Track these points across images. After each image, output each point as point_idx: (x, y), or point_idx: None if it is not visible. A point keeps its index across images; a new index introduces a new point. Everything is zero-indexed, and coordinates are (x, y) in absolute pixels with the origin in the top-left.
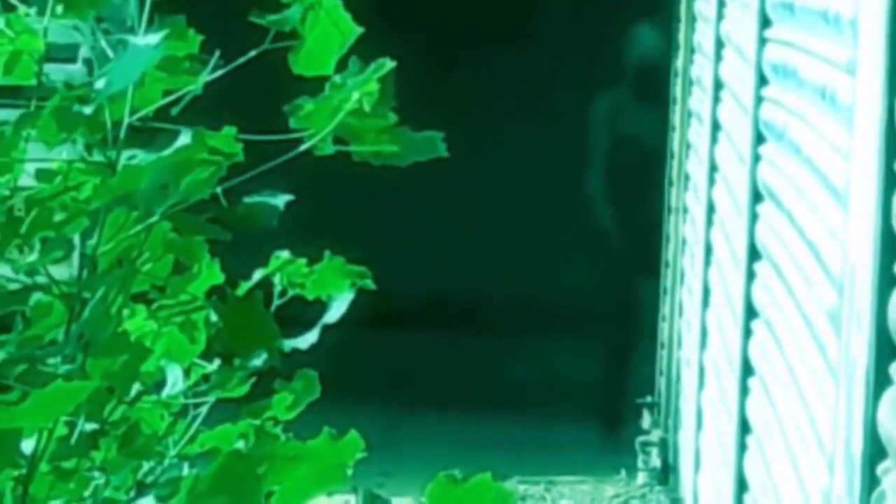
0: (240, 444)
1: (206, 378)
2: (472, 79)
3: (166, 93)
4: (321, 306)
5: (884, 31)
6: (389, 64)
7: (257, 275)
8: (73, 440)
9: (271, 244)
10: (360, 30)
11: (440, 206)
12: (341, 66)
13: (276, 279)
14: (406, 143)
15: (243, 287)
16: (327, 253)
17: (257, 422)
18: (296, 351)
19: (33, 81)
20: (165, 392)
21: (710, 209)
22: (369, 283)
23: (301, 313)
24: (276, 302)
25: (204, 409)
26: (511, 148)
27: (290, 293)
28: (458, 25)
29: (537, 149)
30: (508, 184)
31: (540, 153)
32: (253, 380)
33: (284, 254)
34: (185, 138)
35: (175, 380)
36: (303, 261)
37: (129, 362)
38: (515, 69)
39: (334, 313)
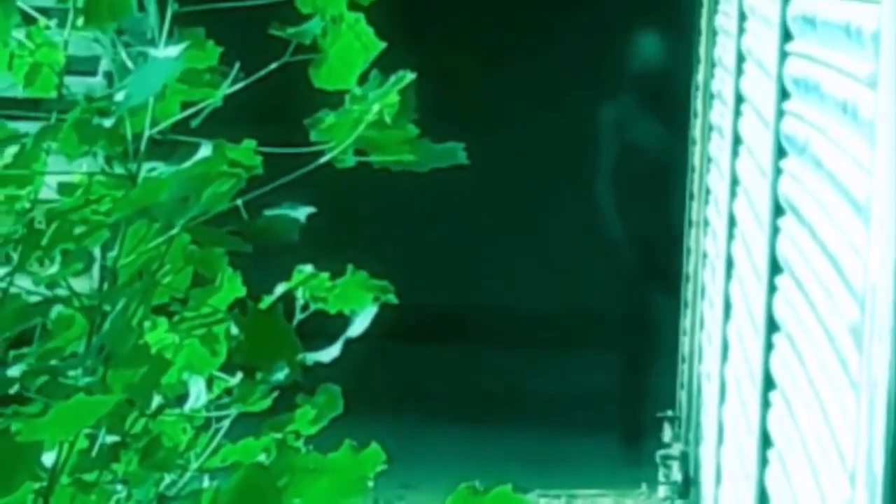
0: (261, 458)
1: (228, 392)
2: (490, 91)
3: (187, 105)
4: (343, 318)
5: None
6: (410, 76)
7: (280, 289)
8: (94, 452)
9: (293, 256)
10: (382, 44)
11: (460, 220)
12: (361, 78)
13: (299, 293)
14: (426, 155)
15: (266, 301)
16: (350, 267)
17: (279, 435)
18: (317, 363)
19: (54, 94)
20: (188, 406)
21: (732, 223)
22: (392, 298)
23: (323, 326)
24: (299, 316)
25: (226, 423)
26: (531, 161)
27: (313, 307)
28: (479, 38)
29: (557, 162)
30: (528, 197)
31: (560, 166)
32: (275, 394)
33: (307, 268)
34: (205, 151)
35: (198, 393)
36: (325, 275)
37: (150, 374)
38: (534, 82)
39: (357, 328)
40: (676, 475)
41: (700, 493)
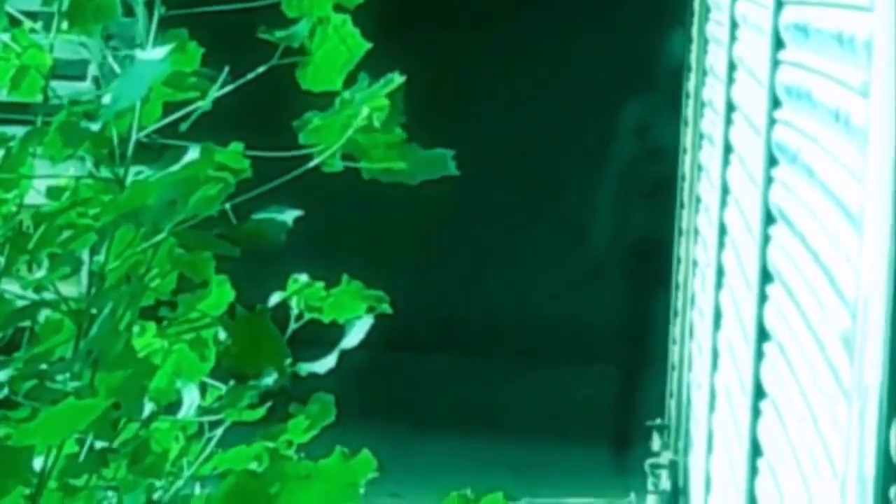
0: (253, 465)
1: (221, 399)
2: (479, 95)
3: (174, 108)
4: (339, 327)
5: None
6: (398, 79)
7: (275, 297)
8: (82, 457)
9: (283, 261)
10: (367, 45)
11: (450, 230)
12: (351, 81)
13: (294, 302)
14: (415, 160)
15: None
16: (345, 277)
17: (272, 444)
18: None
19: (40, 97)
20: (181, 413)
21: (722, 231)
22: (386, 308)
23: (319, 334)
24: (293, 325)
25: (219, 431)
26: (520, 169)
27: (307, 316)
28: (469, 42)
29: (547, 171)
30: (519, 206)
31: (550, 175)
32: (269, 403)
33: (303, 277)
34: (193, 154)
35: (191, 401)
36: (320, 284)
37: (136, 378)
38: (524, 89)
39: (353, 338)
40: (665, 484)
41: (689, 503)
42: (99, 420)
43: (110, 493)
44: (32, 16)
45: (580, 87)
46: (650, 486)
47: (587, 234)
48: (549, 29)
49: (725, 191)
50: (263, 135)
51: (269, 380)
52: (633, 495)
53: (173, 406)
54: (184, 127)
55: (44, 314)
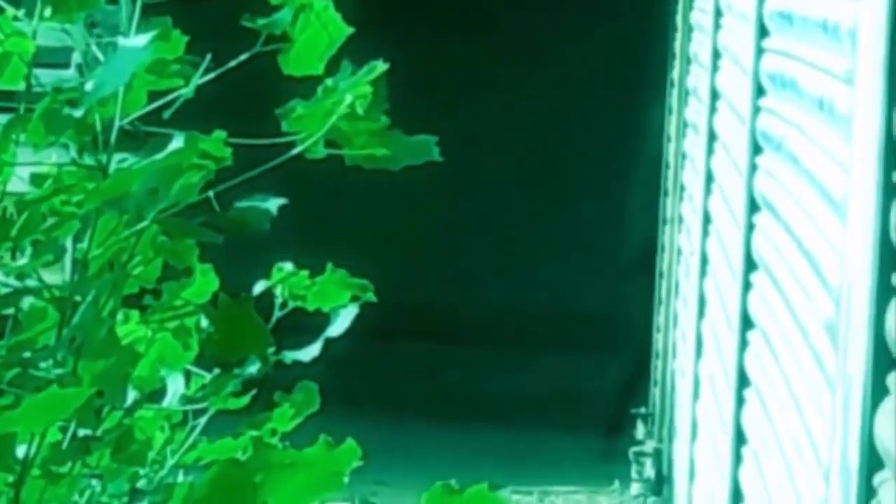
0: (237, 455)
1: (205, 388)
2: (464, 80)
3: (157, 96)
4: (324, 315)
5: (883, 42)
6: (381, 66)
7: (260, 286)
8: (65, 445)
9: (268, 250)
10: (349, 30)
11: (434, 218)
12: (334, 69)
13: (278, 291)
14: (398, 147)
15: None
16: (329, 265)
17: (256, 433)
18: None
19: (23, 85)
20: (165, 401)
21: (706, 219)
22: (371, 297)
23: (303, 322)
24: (277, 314)
25: (203, 420)
26: (504, 157)
27: (291, 305)
28: (450, 26)
29: (531, 159)
30: (502, 195)
31: (538, 162)
32: (253, 391)
33: (287, 266)
34: (176, 142)
35: (175, 390)
36: (305, 273)
37: (119, 366)
38: (508, 76)
39: (337, 327)
40: (649, 472)
41: (673, 491)
42: (82, 408)
43: (94, 482)
44: (15, 3)
45: (570, 74)
46: (634, 474)
47: (571, 224)
48: (536, 12)
49: (710, 179)
50: (247, 122)
51: (254, 368)
52: (617, 483)
53: (157, 394)
54: (167, 115)
55: (27, 302)
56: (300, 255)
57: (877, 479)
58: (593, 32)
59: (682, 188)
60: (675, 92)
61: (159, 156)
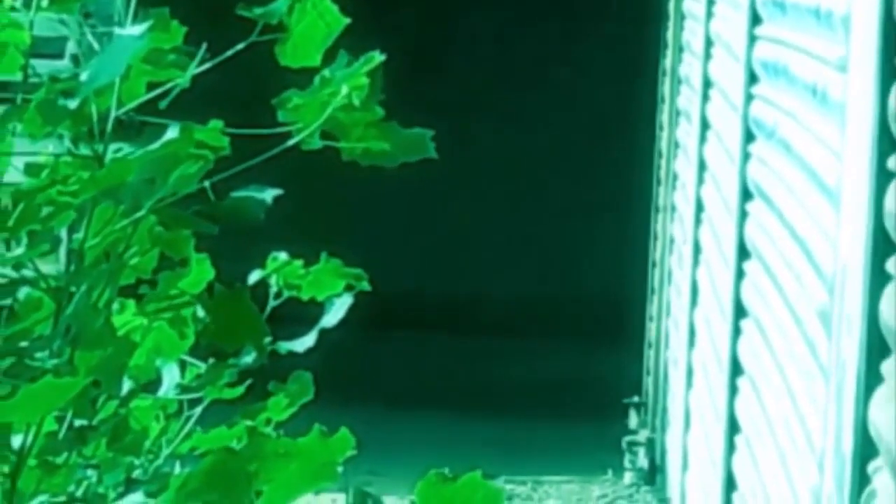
0: (232, 444)
1: (200, 377)
2: (461, 72)
3: (153, 86)
4: (319, 305)
5: (876, 28)
6: (378, 57)
7: (254, 276)
8: (61, 435)
9: (266, 239)
10: (346, 21)
11: (428, 207)
12: (327, 56)
13: (273, 280)
14: (394, 139)
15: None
16: (324, 255)
17: (252, 423)
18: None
19: (19, 75)
20: (161, 391)
21: (699, 208)
22: (365, 286)
23: (299, 312)
24: (272, 303)
25: (198, 410)
26: (500, 146)
27: (286, 294)
28: (449, 19)
29: (526, 147)
30: (497, 183)
31: (528, 152)
32: (248, 381)
33: (282, 255)
34: (172, 132)
35: (171, 379)
36: (299, 262)
37: (116, 356)
38: (505, 65)
39: (332, 317)
40: (643, 461)
41: (666, 480)
42: (78, 398)
43: (89, 472)
44: None
45: (563, 65)
46: (627, 464)
47: (564, 212)
48: (531, 3)
49: (702, 167)
50: (243, 113)
51: (249, 358)
52: (610, 472)
53: (152, 384)
54: (163, 105)
55: (23, 292)
56: (296, 245)
57: (871, 466)
58: (593, 22)
59: (675, 177)
60: (667, 81)
61: (155, 145)
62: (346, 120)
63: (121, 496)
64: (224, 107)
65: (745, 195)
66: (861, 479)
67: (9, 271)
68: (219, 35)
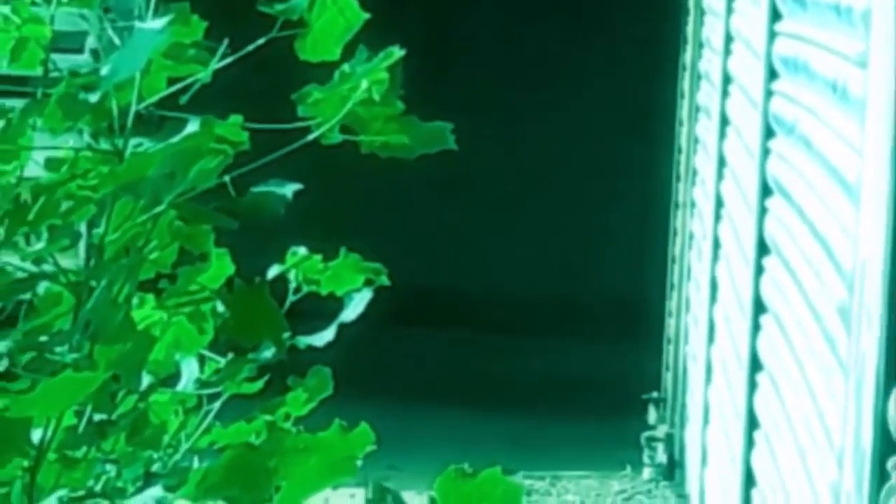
0: (251, 439)
1: (219, 372)
2: (479, 70)
3: (174, 81)
4: (338, 300)
5: None
6: (398, 52)
7: (273, 270)
8: (80, 430)
9: (284, 234)
10: (365, 16)
11: (449, 203)
12: (351, 54)
13: (292, 275)
14: (414, 133)
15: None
16: (343, 249)
17: (270, 417)
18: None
19: (40, 70)
20: (180, 386)
21: (719, 204)
22: (384, 280)
23: (318, 306)
24: (291, 298)
25: (217, 404)
26: (518, 142)
27: (305, 289)
28: (467, 12)
29: (544, 144)
30: (517, 180)
31: (547, 148)
32: (267, 376)
33: (301, 250)
34: (192, 127)
35: (190, 374)
36: (318, 257)
37: (136, 350)
38: (522, 62)
39: (351, 312)
40: (661, 457)
41: (685, 475)
42: (98, 392)
43: (108, 466)
44: None
45: (583, 61)
46: (646, 460)
47: (584, 209)
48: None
49: (722, 163)
50: (262, 108)
51: (268, 353)
52: (629, 468)
53: (172, 379)
54: (183, 100)
55: (43, 286)
56: (315, 240)
57: (890, 462)
58: (611, 18)
59: (695, 173)
60: (687, 76)
61: (175, 140)
62: (366, 114)
63: (139, 490)
64: (244, 102)
65: (765, 191)
66: (881, 476)
67: (29, 266)
68: (239, 30)
